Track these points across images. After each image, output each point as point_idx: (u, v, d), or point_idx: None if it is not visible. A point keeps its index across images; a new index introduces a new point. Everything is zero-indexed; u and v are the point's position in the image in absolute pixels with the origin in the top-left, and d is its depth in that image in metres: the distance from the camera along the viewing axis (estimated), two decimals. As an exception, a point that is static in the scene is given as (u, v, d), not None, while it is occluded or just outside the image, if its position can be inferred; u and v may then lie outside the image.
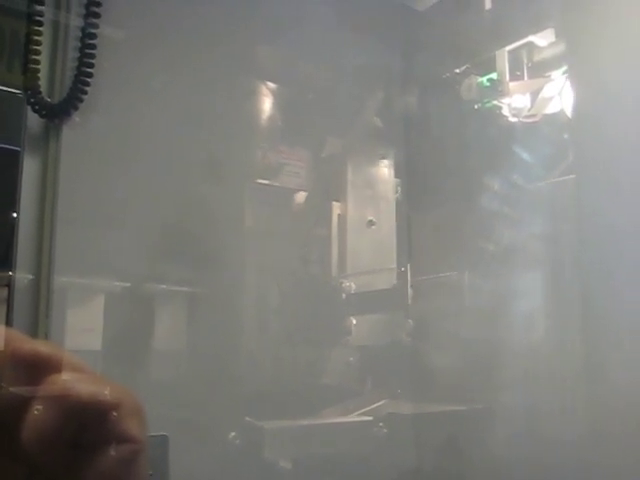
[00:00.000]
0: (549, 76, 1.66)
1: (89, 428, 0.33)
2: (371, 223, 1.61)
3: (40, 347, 0.34)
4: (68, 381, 0.33)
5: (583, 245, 1.39)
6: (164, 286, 1.30)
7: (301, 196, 1.54)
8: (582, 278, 1.35)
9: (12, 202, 1.04)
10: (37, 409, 0.32)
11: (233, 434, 1.31)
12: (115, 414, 0.34)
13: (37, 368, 0.33)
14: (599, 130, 1.39)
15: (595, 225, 1.36)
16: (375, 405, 1.49)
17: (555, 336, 1.40)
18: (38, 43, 1.07)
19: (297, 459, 1.36)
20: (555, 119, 1.60)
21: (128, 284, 1.25)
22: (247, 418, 1.34)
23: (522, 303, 1.48)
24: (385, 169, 1.67)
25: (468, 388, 1.49)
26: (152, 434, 1.06)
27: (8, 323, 1.16)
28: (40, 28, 1.04)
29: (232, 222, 1.39)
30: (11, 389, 0.32)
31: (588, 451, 1.21)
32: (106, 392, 0.34)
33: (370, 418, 1.48)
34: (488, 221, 1.58)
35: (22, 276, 1.14)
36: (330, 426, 1.44)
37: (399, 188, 1.67)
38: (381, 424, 1.49)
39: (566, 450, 1.28)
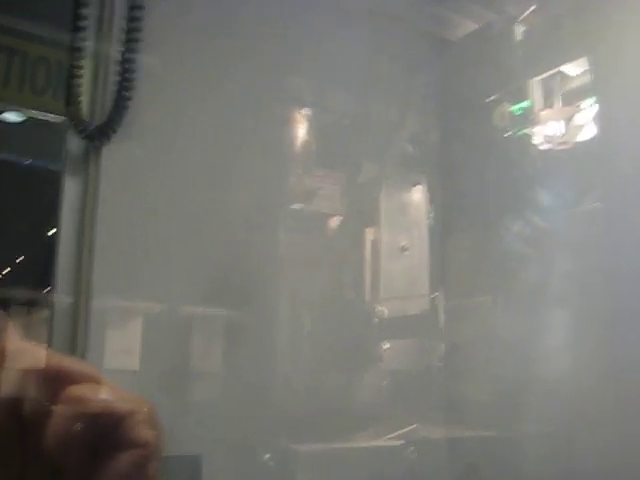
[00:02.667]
0: (579, 105, 1.66)
1: (105, 434, 0.36)
2: (404, 249, 1.61)
3: (63, 361, 0.38)
4: (86, 391, 0.37)
5: (611, 278, 1.38)
6: (203, 311, 1.32)
7: (335, 221, 1.56)
8: (611, 311, 1.35)
9: (53, 222, 1.08)
10: (56, 417, 0.35)
11: (267, 456, 1.31)
12: (128, 421, 0.37)
13: (59, 380, 0.36)
14: (626, 159, 1.39)
15: (623, 253, 1.36)
16: (407, 429, 1.48)
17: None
18: (80, 74, 1.11)
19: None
20: (587, 147, 1.60)
21: (166, 307, 1.27)
22: (281, 440, 1.34)
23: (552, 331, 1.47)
24: (418, 195, 1.68)
25: (496, 415, 1.48)
26: (186, 454, 1.07)
27: (48, 343, 1.19)
28: (81, 61, 1.09)
29: (267, 249, 1.41)
30: (37, 399, 0.36)
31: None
32: (120, 401, 0.37)
33: (402, 442, 1.47)
34: (519, 248, 1.58)
35: (62, 297, 1.17)
36: (362, 450, 1.43)
37: (432, 214, 1.67)
38: (412, 448, 1.47)
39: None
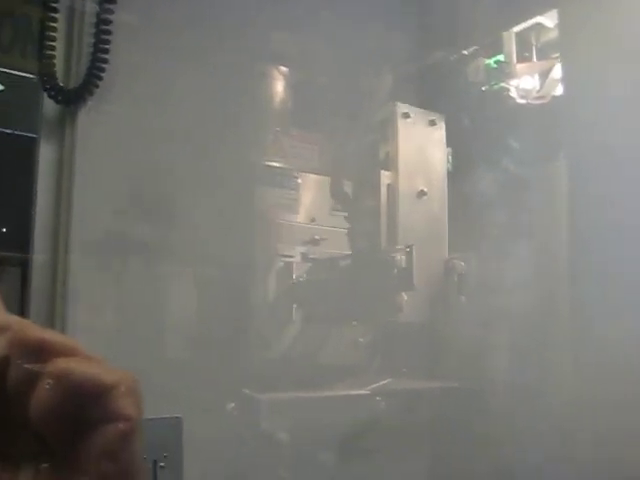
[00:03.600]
0: (556, 57, 1.66)
1: (89, 406, 0.37)
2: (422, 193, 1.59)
3: (44, 334, 0.38)
4: (70, 363, 0.37)
5: (575, 229, 1.42)
6: (177, 265, 1.33)
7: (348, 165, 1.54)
8: (571, 249, 1.39)
9: (30, 187, 1.07)
10: (43, 387, 0.36)
11: (232, 405, 1.32)
12: (113, 394, 0.37)
13: (43, 353, 0.37)
14: (594, 114, 1.41)
15: (586, 203, 1.40)
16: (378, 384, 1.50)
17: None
18: (53, 29, 1.08)
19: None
20: (561, 101, 1.61)
21: (143, 264, 1.27)
22: (253, 391, 1.36)
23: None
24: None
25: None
26: (166, 416, 1.09)
27: (25, 303, 1.19)
28: (55, 14, 1.06)
29: (244, 204, 1.42)
30: (21, 370, 0.36)
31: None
32: (104, 373, 0.37)
33: (368, 392, 1.48)
34: (492, 200, 1.60)
35: (39, 256, 1.17)
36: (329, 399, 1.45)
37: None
38: (378, 398, 1.49)
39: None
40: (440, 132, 1.64)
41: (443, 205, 1.62)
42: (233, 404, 1.33)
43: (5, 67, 1.20)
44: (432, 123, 1.62)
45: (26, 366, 0.36)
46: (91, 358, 0.38)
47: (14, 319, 0.38)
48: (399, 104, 1.57)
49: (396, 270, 1.50)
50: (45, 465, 0.38)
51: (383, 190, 1.55)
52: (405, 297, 1.51)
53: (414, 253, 1.48)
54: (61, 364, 0.36)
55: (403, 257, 1.50)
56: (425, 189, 1.58)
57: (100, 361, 0.38)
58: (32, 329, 0.38)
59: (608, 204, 1.33)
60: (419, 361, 1.56)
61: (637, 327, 1.23)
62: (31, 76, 1.12)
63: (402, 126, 1.57)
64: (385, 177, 1.56)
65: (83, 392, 0.36)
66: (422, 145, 1.60)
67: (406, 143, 1.58)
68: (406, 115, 1.57)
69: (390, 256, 1.51)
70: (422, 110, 1.61)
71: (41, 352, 0.37)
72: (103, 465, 0.37)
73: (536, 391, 1.42)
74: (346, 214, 1.60)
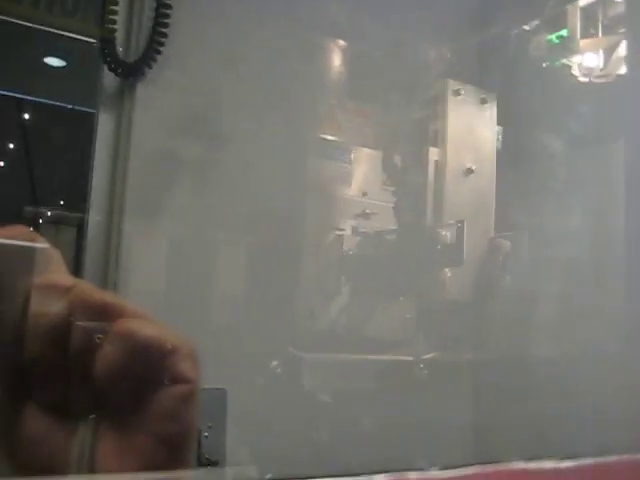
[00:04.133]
0: (624, 33, 1.61)
1: (151, 367, 0.38)
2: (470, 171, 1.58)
3: (106, 297, 0.39)
4: (134, 324, 0.38)
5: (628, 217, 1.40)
6: (228, 233, 1.34)
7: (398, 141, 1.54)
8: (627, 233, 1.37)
9: (87, 160, 1.09)
10: (109, 345, 0.37)
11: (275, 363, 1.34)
12: (175, 357, 0.38)
13: (106, 315, 0.38)
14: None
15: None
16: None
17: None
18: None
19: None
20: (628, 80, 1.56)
21: (195, 232, 1.29)
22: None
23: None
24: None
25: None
26: (211, 387, 1.11)
27: (79, 263, 1.22)
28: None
29: (295, 176, 1.42)
30: (85, 331, 0.37)
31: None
32: (167, 336, 0.38)
33: (411, 358, 1.49)
34: (544, 179, 1.58)
35: (94, 218, 1.19)
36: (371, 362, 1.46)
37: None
38: (421, 365, 1.50)
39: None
40: (491, 110, 1.62)
41: (491, 183, 1.60)
42: (280, 369, 1.35)
43: (69, 31, 1.20)
44: (483, 101, 1.60)
45: (89, 324, 0.37)
46: (153, 321, 0.39)
47: (77, 281, 0.38)
48: (450, 81, 1.55)
49: (441, 246, 1.50)
50: (107, 421, 0.38)
51: (431, 166, 1.54)
52: (450, 274, 1.51)
53: (465, 229, 1.48)
54: (127, 324, 0.37)
55: (449, 233, 1.49)
56: (473, 167, 1.56)
57: (159, 323, 0.39)
58: (94, 291, 0.39)
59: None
60: (464, 337, 1.56)
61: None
62: (92, 41, 1.13)
63: (452, 103, 1.57)
64: (433, 154, 1.55)
65: (147, 352, 0.37)
66: (472, 123, 1.59)
67: (455, 120, 1.57)
68: (457, 92, 1.56)
69: (436, 232, 1.51)
70: (473, 87, 1.59)
71: (103, 314, 0.38)
72: (165, 425, 0.38)
73: (582, 366, 1.42)
74: (395, 189, 1.60)
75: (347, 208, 1.55)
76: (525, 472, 0.99)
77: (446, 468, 0.91)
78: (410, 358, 1.48)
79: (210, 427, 1.09)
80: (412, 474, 0.86)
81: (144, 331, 0.37)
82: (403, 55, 1.54)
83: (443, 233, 1.51)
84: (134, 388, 0.38)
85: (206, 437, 1.07)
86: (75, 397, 0.38)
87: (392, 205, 1.59)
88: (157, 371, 0.38)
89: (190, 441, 0.40)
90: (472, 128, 1.59)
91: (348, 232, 1.54)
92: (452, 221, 1.51)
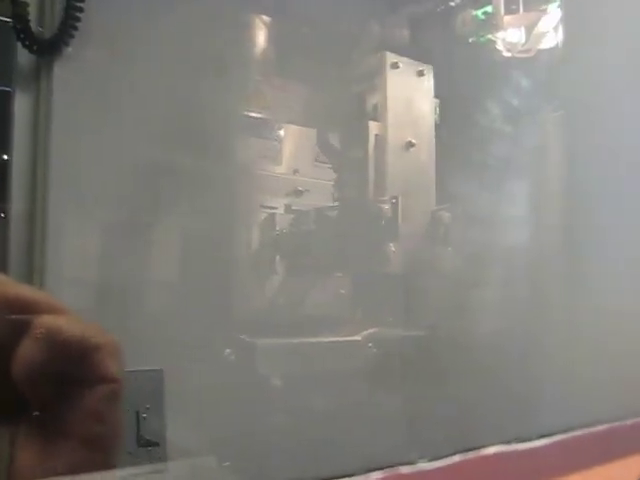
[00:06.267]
0: (544, 9, 1.64)
1: (73, 366, 0.36)
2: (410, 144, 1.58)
3: (25, 291, 0.37)
4: (55, 321, 0.36)
5: (570, 181, 1.42)
6: (159, 217, 1.32)
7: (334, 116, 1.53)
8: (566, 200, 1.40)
9: (4, 142, 1.05)
10: (27, 343, 0.35)
11: (228, 351, 1.34)
12: (99, 354, 0.37)
13: (24, 311, 0.36)
14: (589, 68, 1.39)
15: (581, 159, 1.40)
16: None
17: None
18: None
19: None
20: (549, 55, 1.59)
21: (124, 215, 1.26)
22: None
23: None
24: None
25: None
26: (146, 368, 1.10)
27: (4, 255, 1.18)
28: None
29: (226, 156, 1.40)
30: (2, 324, 0.35)
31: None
32: (89, 333, 0.37)
33: (359, 338, 1.50)
34: (480, 155, 1.60)
35: (17, 206, 1.15)
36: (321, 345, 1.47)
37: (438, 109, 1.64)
38: (370, 344, 1.51)
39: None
40: (428, 83, 1.62)
41: (431, 157, 1.61)
42: (217, 350, 1.34)
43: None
44: (420, 74, 1.60)
45: (8, 319, 0.35)
46: (72, 316, 0.38)
47: None
48: (388, 53, 1.55)
49: (383, 221, 1.50)
50: (26, 424, 0.37)
51: (371, 141, 1.54)
52: (392, 248, 1.51)
53: (399, 204, 1.48)
54: (47, 321, 0.36)
55: (389, 207, 1.50)
56: (413, 140, 1.57)
57: (81, 319, 0.38)
58: (11, 285, 0.37)
59: (604, 162, 1.33)
60: (404, 311, 1.57)
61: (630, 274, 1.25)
62: (6, 20, 1.09)
63: (391, 76, 1.56)
64: (373, 127, 1.55)
65: (69, 351, 0.36)
66: (410, 96, 1.59)
67: (394, 94, 1.56)
68: (395, 65, 1.55)
69: (377, 207, 1.51)
70: (411, 60, 1.59)
71: (22, 309, 0.36)
72: (91, 426, 0.37)
73: (521, 339, 1.45)
74: (331, 165, 1.60)
75: (278, 186, 1.54)
76: (512, 454, 1.01)
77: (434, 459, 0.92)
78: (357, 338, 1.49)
79: (148, 408, 1.07)
80: (404, 469, 0.86)
81: (65, 328, 0.36)
82: (335, 29, 1.54)
83: (384, 208, 1.51)
84: (56, 388, 0.36)
85: (144, 418, 1.06)
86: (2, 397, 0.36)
87: (328, 182, 1.59)
88: (80, 370, 0.36)
89: (117, 442, 0.38)
90: (411, 101, 1.59)
91: (280, 210, 1.53)
92: (391, 196, 1.51)
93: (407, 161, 1.56)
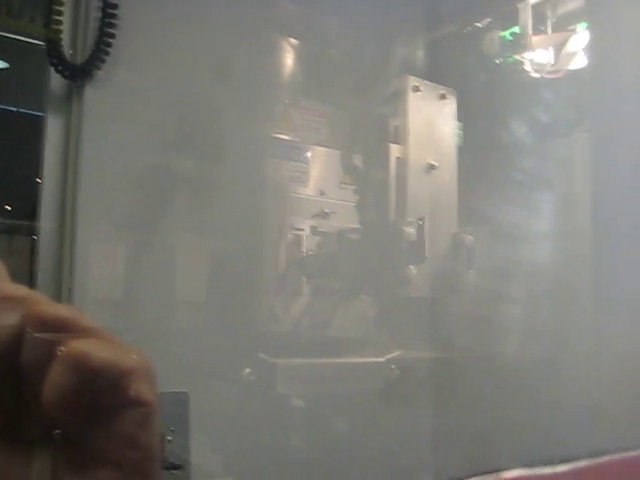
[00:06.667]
0: (573, 29, 1.63)
1: (105, 391, 0.35)
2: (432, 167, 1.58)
3: (61, 311, 0.36)
4: (87, 346, 0.35)
5: (595, 208, 1.41)
6: (185, 238, 1.33)
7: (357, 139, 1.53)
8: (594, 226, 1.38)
9: (36, 165, 1.06)
10: (57, 370, 0.34)
11: (248, 370, 1.34)
12: (131, 378, 0.36)
13: (58, 329, 0.35)
14: (618, 87, 1.38)
15: (606, 180, 1.38)
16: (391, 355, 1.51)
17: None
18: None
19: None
20: (579, 75, 1.58)
21: (152, 237, 1.27)
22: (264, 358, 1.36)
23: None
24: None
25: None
26: (173, 390, 1.10)
27: (32, 272, 1.19)
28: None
29: (252, 178, 1.41)
30: (37, 349, 0.35)
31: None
32: (122, 357, 0.36)
33: (383, 360, 1.49)
34: (506, 176, 1.59)
35: (46, 225, 1.17)
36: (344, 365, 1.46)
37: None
38: (393, 366, 1.50)
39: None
40: (451, 106, 1.63)
41: (453, 179, 1.61)
42: (244, 372, 1.34)
43: (14, 32, 1.17)
44: (442, 97, 1.60)
45: (42, 340, 0.34)
46: (106, 338, 0.37)
47: (27, 292, 0.36)
48: (410, 77, 1.56)
49: (405, 243, 1.50)
50: (58, 452, 0.36)
51: (392, 163, 1.54)
52: (414, 271, 1.50)
53: (425, 226, 1.48)
54: (77, 347, 0.35)
55: (412, 230, 1.49)
56: (435, 163, 1.57)
57: (115, 341, 0.37)
58: (47, 303, 0.36)
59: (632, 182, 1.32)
60: (428, 334, 1.56)
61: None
62: (39, 43, 1.11)
63: (412, 99, 1.56)
64: (394, 150, 1.55)
65: (101, 377, 0.35)
66: (432, 119, 1.59)
67: (416, 116, 1.57)
68: (416, 88, 1.55)
69: (399, 229, 1.50)
70: (432, 84, 1.59)
71: (57, 329, 0.35)
72: (125, 452, 0.36)
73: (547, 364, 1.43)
74: (355, 187, 1.60)
75: (305, 208, 1.54)
76: (533, 478, 0.99)
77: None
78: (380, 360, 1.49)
79: (173, 431, 1.07)
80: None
81: (97, 354, 0.35)
82: (360, 53, 1.54)
83: (406, 230, 1.50)
84: (88, 413, 0.35)
85: (169, 441, 1.06)
86: (27, 421, 0.36)
87: (352, 204, 1.59)
88: (112, 394, 0.35)
89: (153, 466, 0.37)
90: (432, 124, 1.59)
91: (307, 232, 1.52)
92: (414, 218, 1.51)
93: (428, 183, 1.56)
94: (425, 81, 1.57)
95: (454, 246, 1.58)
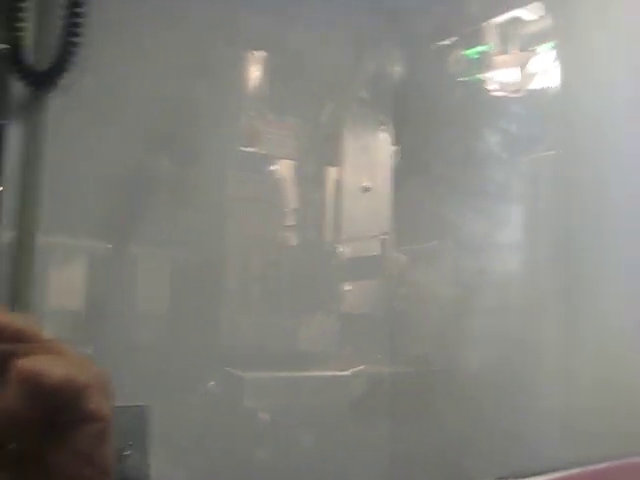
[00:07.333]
0: (534, 50, 1.66)
1: (60, 408, 0.34)
2: (366, 189, 1.62)
3: (16, 321, 0.35)
4: (36, 365, 0.34)
5: (561, 218, 1.42)
6: (147, 248, 1.31)
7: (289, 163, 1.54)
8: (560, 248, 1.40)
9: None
10: (8, 393, 0.33)
11: (212, 383, 1.33)
12: (87, 394, 0.35)
13: (13, 342, 0.34)
14: (581, 107, 1.41)
15: (573, 199, 1.40)
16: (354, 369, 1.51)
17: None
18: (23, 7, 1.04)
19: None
20: (540, 95, 1.61)
21: (112, 247, 1.25)
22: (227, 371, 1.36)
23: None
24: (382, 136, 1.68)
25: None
26: (130, 404, 1.08)
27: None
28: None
29: (216, 190, 1.40)
30: None
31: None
32: (76, 373, 0.35)
33: (348, 373, 1.51)
34: (471, 193, 1.60)
35: (5, 232, 1.14)
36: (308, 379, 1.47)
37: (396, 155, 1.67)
38: (358, 379, 1.52)
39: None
40: (386, 132, 1.67)
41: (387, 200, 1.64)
42: (208, 385, 1.32)
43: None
44: (380, 123, 1.65)
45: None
46: (60, 351, 0.36)
47: None
48: (350, 102, 1.60)
49: (337, 262, 1.54)
50: (11, 470, 0.35)
51: (329, 185, 1.59)
52: (349, 288, 1.54)
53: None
54: (30, 365, 0.34)
55: (347, 249, 1.53)
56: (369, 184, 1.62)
57: (69, 354, 0.36)
58: (2, 313, 0.35)
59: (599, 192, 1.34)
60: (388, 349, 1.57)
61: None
62: (1, 46, 1.08)
63: (350, 123, 1.61)
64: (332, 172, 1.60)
65: (55, 396, 0.34)
66: (368, 144, 1.64)
67: (353, 141, 1.62)
68: (354, 113, 1.60)
69: (333, 247, 1.54)
70: (371, 109, 1.64)
71: (11, 339, 0.34)
72: (81, 468, 0.35)
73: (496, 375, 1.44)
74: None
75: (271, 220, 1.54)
76: None
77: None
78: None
79: (131, 445, 1.05)
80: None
81: (48, 372, 0.34)
82: (324, 66, 1.54)
83: (340, 249, 1.54)
84: (42, 432, 0.34)
85: (127, 456, 1.04)
86: None
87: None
88: (67, 412, 0.35)
89: (109, 477, 0.37)
90: (368, 148, 1.64)
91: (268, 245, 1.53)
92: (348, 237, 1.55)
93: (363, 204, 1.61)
94: (363, 107, 1.63)
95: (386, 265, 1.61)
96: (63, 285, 1.21)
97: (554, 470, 1.08)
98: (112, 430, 0.37)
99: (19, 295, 1.13)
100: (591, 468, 1.11)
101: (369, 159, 1.65)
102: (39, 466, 0.35)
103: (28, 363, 0.34)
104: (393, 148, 1.68)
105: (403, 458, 1.51)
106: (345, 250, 1.56)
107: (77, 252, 1.23)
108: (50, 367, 0.34)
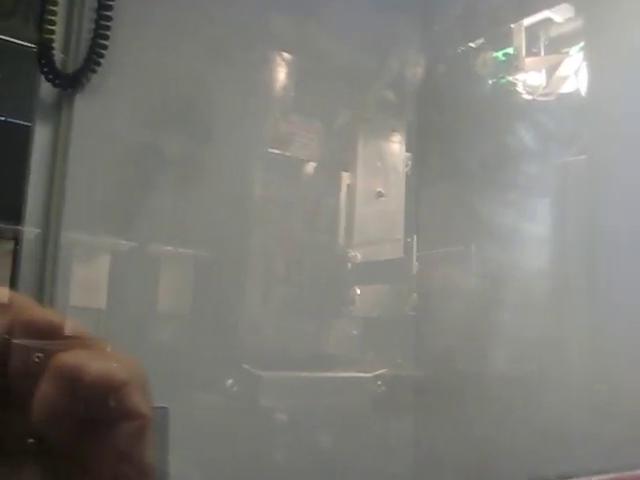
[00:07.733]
0: (566, 53, 1.63)
1: (97, 405, 0.34)
2: (380, 195, 1.61)
3: (51, 316, 0.35)
4: (79, 358, 0.34)
5: (591, 225, 1.41)
6: (170, 248, 1.32)
7: (310, 166, 1.54)
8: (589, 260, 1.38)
9: (22, 172, 1.05)
10: (47, 385, 0.33)
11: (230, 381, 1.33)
12: (126, 390, 0.34)
13: (49, 338, 0.34)
14: (614, 111, 1.39)
15: (604, 205, 1.38)
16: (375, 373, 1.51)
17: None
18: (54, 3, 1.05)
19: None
20: (570, 98, 1.58)
21: (136, 245, 1.26)
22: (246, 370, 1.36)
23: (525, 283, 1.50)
24: (396, 142, 1.66)
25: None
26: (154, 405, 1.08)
27: (14, 277, 1.17)
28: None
29: (241, 191, 1.40)
30: (24, 357, 0.33)
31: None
32: (115, 369, 0.35)
33: (369, 375, 1.50)
34: (497, 198, 1.59)
35: (30, 230, 1.15)
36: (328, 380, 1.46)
37: (409, 162, 1.66)
38: (379, 382, 1.51)
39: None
40: (400, 138, 1.66)
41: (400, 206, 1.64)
42: (227, 384, 1.32)
43: (5, 34, 1.14)
44: (393, 129, 1.64)
45: (32, 348, 0.33)
46: (99, 346, 0.35)
47: (15, 296, 0.35)
48: (364, 108, 1.59)
49: (350, 265, 1.54)
50: (49, 467, 0.34)
51: (343, 190, 1.58)
52: (359, 292, 1.54)
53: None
54: (69, 360, 0.33)
55: (359, 254, 1.53)
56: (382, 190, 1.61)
57: (107, 349, 0.36)
58: (36, 308, 0.35)
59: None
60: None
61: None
62: (29, 45, 1.08)
63: (363, 130, 1.61)
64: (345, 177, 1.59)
65: (94, 391, 0.33)
66: (382, 150, 1.64)
67: (366, 147, 1.61)
68: (367, 120, 1.59)
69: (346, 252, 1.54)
70: (383, 116, 1.63)
71: (48, 335, 0.34)
72: (119, 466, 0.35)
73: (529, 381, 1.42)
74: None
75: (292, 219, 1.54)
76: None
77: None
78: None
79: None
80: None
81: (87, 367, 0.33)
82: (352, 69, 1.54)
83: (353, 254, 1.54)
84: (81, 428, 0.34)
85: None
86: (15, 430, 0.34)
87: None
88: (105, 408, 0.34)
89: (149, 476, 0.36)
90: (382, 154, 1.64)
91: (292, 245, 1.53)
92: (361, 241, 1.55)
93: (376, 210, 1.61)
94: (377, 113, 1.62)
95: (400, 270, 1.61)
96: (86, 282, 1.21)
97: (585, 474, 1.06)
98: (152, 430, 0.36)
99: (43, 291, 1.14)
100: (628, 474, 1.08)
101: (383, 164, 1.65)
102: (76, 462, 0.35)
103: (68, 357, 0.33)
104: (407, 155, 1.67)
105: (428, 460, 1.51)
106: (368, 253, 1.56)
107: (101, 250, 1.23)
108: (90, 362, 0.34)
